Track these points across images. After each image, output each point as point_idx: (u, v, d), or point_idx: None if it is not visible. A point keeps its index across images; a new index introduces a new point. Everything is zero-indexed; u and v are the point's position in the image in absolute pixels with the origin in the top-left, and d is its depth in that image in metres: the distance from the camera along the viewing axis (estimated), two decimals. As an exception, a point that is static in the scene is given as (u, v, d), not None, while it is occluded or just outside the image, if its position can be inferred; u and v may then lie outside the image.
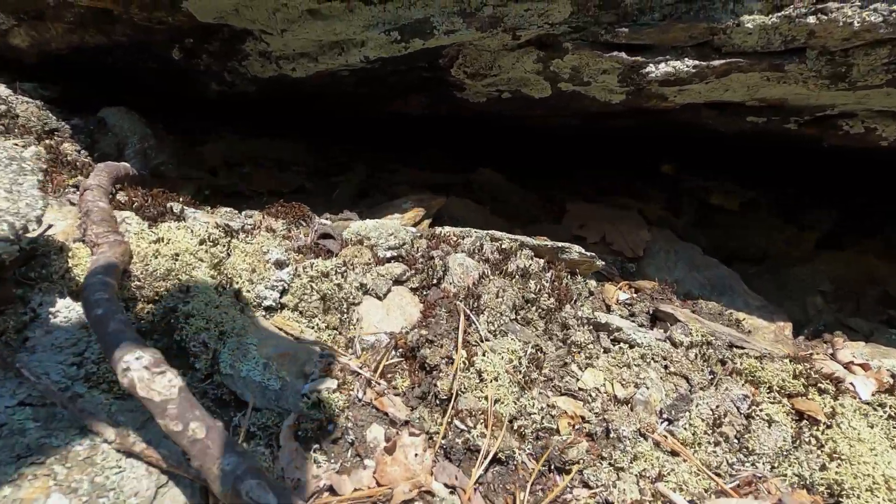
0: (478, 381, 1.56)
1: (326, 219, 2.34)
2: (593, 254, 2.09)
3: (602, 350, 1.75)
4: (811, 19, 1.63)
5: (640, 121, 2.49)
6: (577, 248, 2.07)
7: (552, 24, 1.92)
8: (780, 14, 1.67)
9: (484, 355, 1.61)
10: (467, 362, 1.58)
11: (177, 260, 1.56)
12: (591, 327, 1.79)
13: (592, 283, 2.26)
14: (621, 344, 1.77)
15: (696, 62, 1.82)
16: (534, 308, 1.80)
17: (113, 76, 3.33)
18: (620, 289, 2.27)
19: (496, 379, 1.56)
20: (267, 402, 1.38)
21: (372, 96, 2.79)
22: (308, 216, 2.23)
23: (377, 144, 3.94)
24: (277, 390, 1.40)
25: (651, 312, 2.05)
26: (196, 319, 1.43)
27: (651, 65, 1.86)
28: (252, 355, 1.45)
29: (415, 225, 2.33)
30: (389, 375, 1.61)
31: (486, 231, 2.18)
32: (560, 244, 2.08)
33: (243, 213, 2.19)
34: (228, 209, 2.13)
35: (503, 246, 2.04)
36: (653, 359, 1.74)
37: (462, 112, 2.94)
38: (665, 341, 1.85)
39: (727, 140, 2.65)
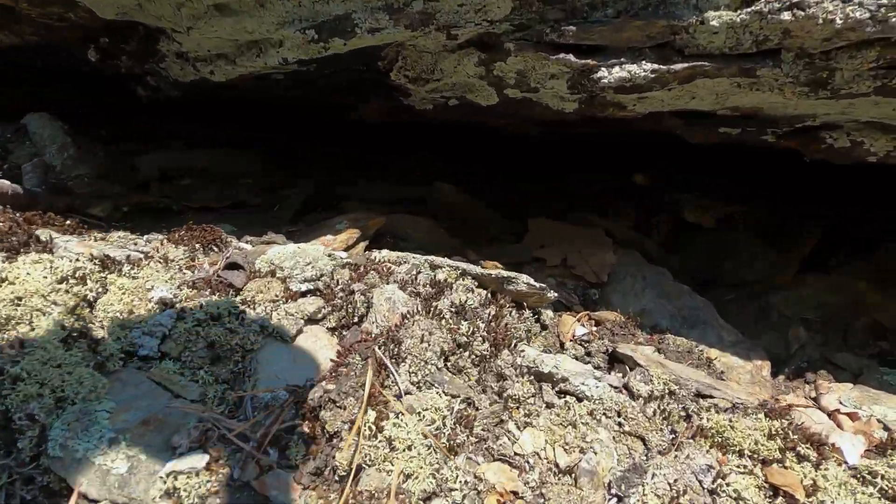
0: (388, 450, 1.29)
1: (247, 242, 2.06)
2: (544, 285, 1.83)
3: (544, 405, 1.48)
4: (786, 15, 1.38)
5: (603, 129, 2.23)
6: (524, 277, 1.80)
7: (491, 21, 1.66)
8: (749, 10, 1.42)
9: (398, 417, 1.34)
10: (375, 427, 1.31)
11: (19, 305, 1.28)
12: (533, 377, 1.52)
13: (549, 313, 1.99)
14: (568, 397, 1.51)
15: (655, 66, 1.56)
16: (466, 354, 1.54)
17: (85, 77, 3.05)
18: (579, 320, 2.01)
19: (410, 448, 1.29)
20: (108, 490, 1.10)
21: (306, 100, 2.52)
22: (222, 240, 1.95)
23: (352, 146, 3.69)
24: (123, 474, 1.12)
25: (609, 352, 1.79)
26: (26, 384, 1.15)
27: (603, 69, 1.60)
28: (99, 427, 1.17)
29: (347, 249, 2.06)
30: (284, 443, 1.33)
31: (425, 257, 1.91)
32: (506, 274, 1.81)
33: (145, 237, 1.91)
34: (124, 234, 1.85)
35: (438, 277, 1.77)
36: (605, 414, 1.48)
37: (417, 119, 2.68)
38: (621, 391, 1.58)
39: (704, 145, 2.41)
